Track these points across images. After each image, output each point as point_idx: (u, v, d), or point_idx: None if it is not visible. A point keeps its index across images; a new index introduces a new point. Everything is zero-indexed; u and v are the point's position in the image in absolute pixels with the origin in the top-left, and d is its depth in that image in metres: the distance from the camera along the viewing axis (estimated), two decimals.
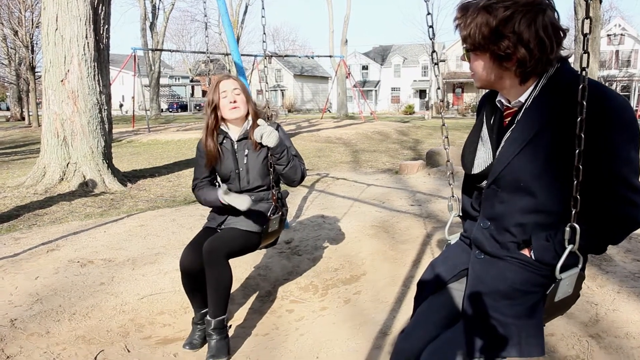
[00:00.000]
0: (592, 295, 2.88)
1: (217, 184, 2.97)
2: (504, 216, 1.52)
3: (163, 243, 4.38)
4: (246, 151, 2.81)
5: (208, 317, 2.69)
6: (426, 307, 1.73)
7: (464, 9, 1.46)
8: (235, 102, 2.72)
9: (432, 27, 1.98)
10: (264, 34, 3.43)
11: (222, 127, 2.82)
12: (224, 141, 2.83)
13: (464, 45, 1.49)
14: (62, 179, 7.42)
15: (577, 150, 1.32)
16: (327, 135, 17.31)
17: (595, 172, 1.38)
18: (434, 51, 2.05)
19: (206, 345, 2.72)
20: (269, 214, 2.81)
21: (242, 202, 2.65)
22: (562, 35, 1.41)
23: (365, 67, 53.75)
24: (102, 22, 7.62)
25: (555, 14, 1.41)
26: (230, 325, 2.99)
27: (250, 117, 2.81)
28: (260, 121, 2.70)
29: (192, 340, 2.83)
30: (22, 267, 3.78)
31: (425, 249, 3.96)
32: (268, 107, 2.91)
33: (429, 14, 2.00)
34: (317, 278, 3.64)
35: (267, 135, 2.61)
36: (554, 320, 2.46)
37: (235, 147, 2.83)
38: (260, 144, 2.67)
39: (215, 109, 2.75)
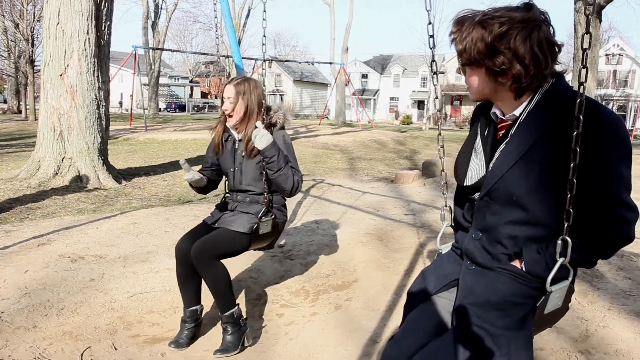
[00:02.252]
0: (583, 311, 2.89)
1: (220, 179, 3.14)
2: (495, 228, 1.52)
3: (155, 242, 4.35)
4: (243, 153, 2.87)
5: (219, 314, 2.80)
6: (416, 315, 1.72)
7: (459, 23, 1.46)
8: (229, 109, 2.81)
9: (433, 37, 1.99)
10: (264, 36, 3.43)
11: (228, 125, 2.91)
12: (228, 138, 2.96)
13: (460, 60, 1.50)
14: (57, 173, 7.37)
15: (572, 164, 1.33)
16: (324, 141, 17.32)
17: (589, 188, 1.39)
18: (433, 60, 2.06)
19: (193, 344, 2.80)
20: (259, 216, 2.83)
21: (187, 173, 2.85)
22: (557, 50, 1.42)
23: (364, 76, 53.91)
24: (104, 18, 7.62)
25: (551, 29, 1.42)
26: (247, 318, 2.99)
27: (256, 121, 2.81)
28: (257, 123, 2.75)
29: (178, 339, 2.82)
30: (12, 260, 3.74)
31: (418, 258, 3.96)
32: (279, 112, 2.95)
33: (430, 23, 2.01)
34: (309, 283, 3.62)
35: (258, 137, 2.70)
36: (544, 334, 2.47)
37: (236, 146, 2.93)
38: (253, 147, 2.77)
39: None
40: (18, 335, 2.70)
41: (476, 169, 1.60)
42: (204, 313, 2.98)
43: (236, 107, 2.81)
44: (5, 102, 49.24)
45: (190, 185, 2.98)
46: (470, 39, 1.42)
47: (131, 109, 23.11)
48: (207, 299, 2.97)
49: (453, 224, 1.80)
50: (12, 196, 6.39)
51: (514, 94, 1.48)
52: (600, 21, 13.58)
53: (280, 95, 54.43)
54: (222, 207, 3.03)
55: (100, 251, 4.05)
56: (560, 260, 1.43)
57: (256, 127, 2.74)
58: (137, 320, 3.03)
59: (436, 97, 2.11)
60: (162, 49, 31.14)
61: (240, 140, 2.91)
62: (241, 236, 2.79)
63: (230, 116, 2.83)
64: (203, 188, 3.03)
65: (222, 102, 2.86)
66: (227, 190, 3.06)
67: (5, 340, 2.63)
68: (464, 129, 39.77)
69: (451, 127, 40.90)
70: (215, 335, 2.93)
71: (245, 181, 2.90)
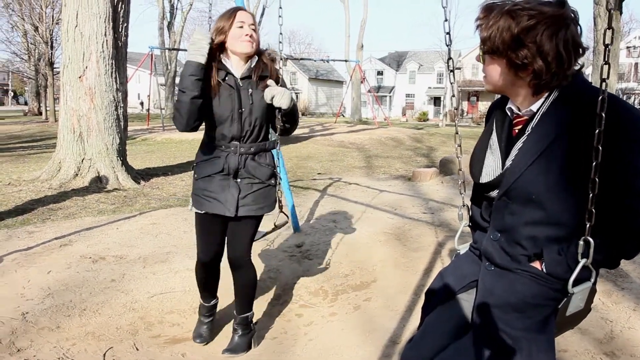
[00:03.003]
0: (607, 312, 2.83)
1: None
2: (514, 228, 1.49)
3: (174, 242, 4.39)
4: (250, 90, 2.49)
5: (235, 312, 2.79)
6: (435, 317, 1.70)
7: (487, 9, 1.43)
8: (251, 36, 2.43)
9: (449, 34, 1.97)
10: (281, 33, 3.44)
11: (223, 62, 2.48)
12: (226, 77, 2.47)
13: (482, 47, 1.47)
14: (77, 174, 7.48)
15: (594, 163, 1.30)
16: (340, 139, 17.30)
17: (609, 184, 1.35)
18: (450, 58, 2.03)
19: (214, 340, 2.85)
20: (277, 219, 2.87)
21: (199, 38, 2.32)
22: (581, 52, 1.39)
23: (380, 73, 53.69)
24: (121, 20, 7.69)
25: (578, 28, 1.38)
26: (256, 323, 3.02)
27: (255, 56, 2.54)
28: (270, 82, 2.48)
29: (202, 333, 2.87)
30: (35, 261, 3.81)
31: (436, 257, 3.93)
32: (271, 56, 2.60)
33: (446, 20, 1.99)
34: (327, 283, 3.62)
35: (279, 96, 2.38)
36: (568, 335, 2.43)
37: (240, 84, 2.49)
38: (266, 85, 2.46)
39: (223, 37, 2.44)
40: (42, 336, 2.74)
41: (492, 166, 1.56)
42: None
43: (256, 35, 2.47)
44: (26, 104, 50.18)
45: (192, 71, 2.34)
46: (496, 27, 1.39)
47: (148, 109, 23.33)
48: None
49: (471, 224, 1.78)
50: (34, 197, 6.50)
51: (532, 90, 1.44)
52: (621, 13, 13.33)
53: (296, 93, 54.44)
54: (220, 185, 2.52)
55: (121, 252, 4.10)
56: (582, 262, 1.39)
57: (270, 86, 2.44)
58: (157, 321, 3.06)
59: (453, 95, 2.08)
60: (178, 49, 31.33)
61: (242, 78, 2.49)
62: (261, 217, 2.69)
63: (250, 42, 2.43)
64: (193, 111, 2.37)
65: (230, 28, 2.42)
66: (219, 143, 2.51)
67: (30, 341, 2.67)
68: (481, 125, 39.34)
69: (468, 124, 40.51)
70: (229, 332, 2.94)
71: (256, 121, 2.51)
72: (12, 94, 67.12)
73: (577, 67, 1.42)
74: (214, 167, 2.51)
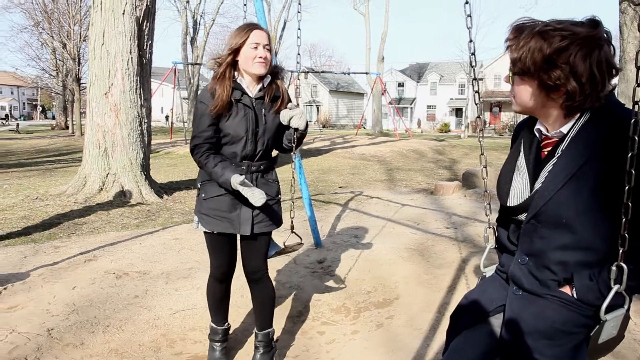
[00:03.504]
0: (639, 333, 2.74)
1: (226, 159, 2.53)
2: (543, 253, 1.45)
3: (197, 257, 4.41)
4: (263, 110, 2.49)
5: (256, 330, 2.77)
6: (461, 342, 1.65)
7: (517, 30, 1.41)
8: (265, 58, 2.41)
9: (473, 41, 1.95)
10: (299, 54, 3.46)
11: (237, 80, 2.46)
12: (242, 97, 2.45)
13: (512, 68, 1.44)
14: (102, 189, 7.61)
15: (627, 187, 1.26)
16: (361, 152, 17.27)
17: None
18: (473, 66, 1.99)
19: None
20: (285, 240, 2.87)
21: (257, 197, 2.30)
22: (614, 72, 1.36)
23: (401, 84, 53.62)
24: (145, 37, 7.85)
25: (612, 49, 1.35)
26: (277, 340, 3.01)
27: (268, 75, 2.54)
28: (290, 104, 2.50)
29: (215, 357, 2.82)
30: (61, 276, 3.87)
31: (460, 274, 3.86)
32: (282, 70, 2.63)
33: (471, 41, 1.97)
34: (350, 300, 3.58)
35: (297, 117, 2.43)
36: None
37: (253, 104, 2.47)
38: (278, 102, 2.52)
39: (235, 55, 2.42)
40: (67, 352, 2.77)
41: (519, 189, 1.53)
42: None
43: (269, 56, 2.45)
44: (53, 118, 51.43)
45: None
46: (527, 48, 1.37)
47: (172, 123, 23.67)
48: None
49: (497, 246, 1.74)
50: (60, 212, 6.62)
51: (564, 112, 1.41)
52: None
53: (317, 105, 54.72)
54: (233, 206, 2.51)
55: (144, 267, 4.13)
56: (615, 288, 1.34)
57: (291, 108, 2.47)
58: (180, 338, 3.06)
59: (476, 103, 2.03)
60: (201, 64, 31.84)
61: (259, 99, 2.49)
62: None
63: (264, 64, 2.42)
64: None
65: (242, 46, 2.40)
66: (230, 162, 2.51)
67: (54, 357, 2.70)
68: (504, 136, 38.93)
69: (490, 135, 40.08)
70: (243, 356, 2.93)
71: (268, 141, 2.53)
72: (41, 108, 69.07)
73: (609, 89, 1.38)
74: (233, 206, 2.52)
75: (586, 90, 1.34)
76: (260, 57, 2.39)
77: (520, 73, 1.42)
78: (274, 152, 2.71)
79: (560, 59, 1.33)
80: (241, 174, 2.38)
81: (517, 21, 1.43)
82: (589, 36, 1.32)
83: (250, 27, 2.43)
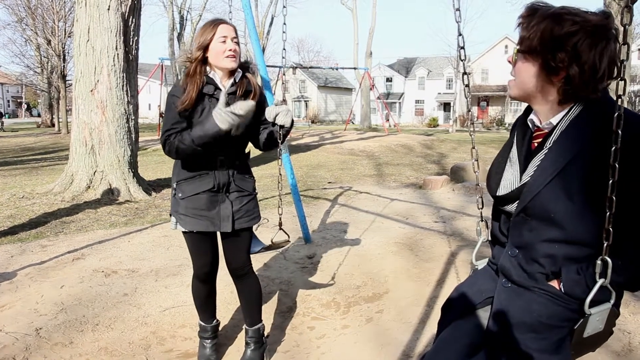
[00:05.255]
0: (625, 323, 2.79)
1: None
2: (532, 246, 1.46)
3: (186, 255, 4.38)
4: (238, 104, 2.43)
5: (246, 327, 2.77)
6: (449, 333, 1.67)
7: (532, 10, 1.43)
8: (234, 51, 2.40)
9: (462, 35, 1.97)
10: (284, 49, 3.45)
11: (210, 75, 2.45)
12: (215, 92, 2.43)
13: (518, 46, 1.45)
14: (89, 187, 7.54)
15: (611, 181, 1.27)
16: (350, 147, 17.30)
17: (629, 202, 1.32)
18: (462, 59, 1.99)
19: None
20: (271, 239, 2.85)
21: (245, 104, 2.28)
22: (615, 70, 1.37)
23: (389, 79, 53.71)
24: (131, 33, 7.77)
25: (617, 46, 1.37)
26: (268, 336, 3.01)
27: (238, 70, 2.52)
28: (275, 100, 2.49)
29: (209, 357, 2.82)
30: (49, 275, 3.83)
31: (449, 268, 3.89)
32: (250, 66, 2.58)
33: (458, 22, 1.99)
34: (340, 295, 3.60)
35: (283, 115, 2.40)
36: None
37: (226, 99, 2.42)
38: (250, 95, 2.48)
39: (204, 51, 2.41)
40: (56, 352, 2.75)
41: (509, 179, 1.54)
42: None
43: (238, 49, 2.43)
44: (39, 115, 50.84)
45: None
46: (538, 27, 1.38)
47: (159, 119, 23.52)
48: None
49: (490, 239, 1.75)
50: (47, 210, 6.56)
51: (561, 97, 1.42)
52: (632, 15, 13.20)
53: (305, 101, 54.64)
54: (211, 202, 2.49)
55: (133, 265, 4.11)
56: (599, 282, 1.35)
57: (277, 104, 2.45)
58: (170, 335, 3.06)
59: (467, 97, 2.04)
60: None
61: (231, 94, 2.45)
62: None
63: (234, 58, 2.40)
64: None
65: (210, 41, 2.39)
66: (204, 159, 2.46)
67: (43, 357, 2.68)
68: (491, 130, 39.19)
69: (478, 129, 40.32)
70: (233, 352, 2.93)
71: (242, 139, 2.52)
72: (26, 106, 68.18)
73: (606, 84, 1.40)
74: (202, 185, 2.47)
75: (585, 77, 1.35)
76: (230, 50, 2.38)
77: (527, 51, 1.43)
78: (249, 148, 2.68)
79: (568, 42, 1.34)
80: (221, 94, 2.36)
81: (532, 2, 1.45)
82: (599, 25, 1.34)
83: (216, 22, 2.43)
